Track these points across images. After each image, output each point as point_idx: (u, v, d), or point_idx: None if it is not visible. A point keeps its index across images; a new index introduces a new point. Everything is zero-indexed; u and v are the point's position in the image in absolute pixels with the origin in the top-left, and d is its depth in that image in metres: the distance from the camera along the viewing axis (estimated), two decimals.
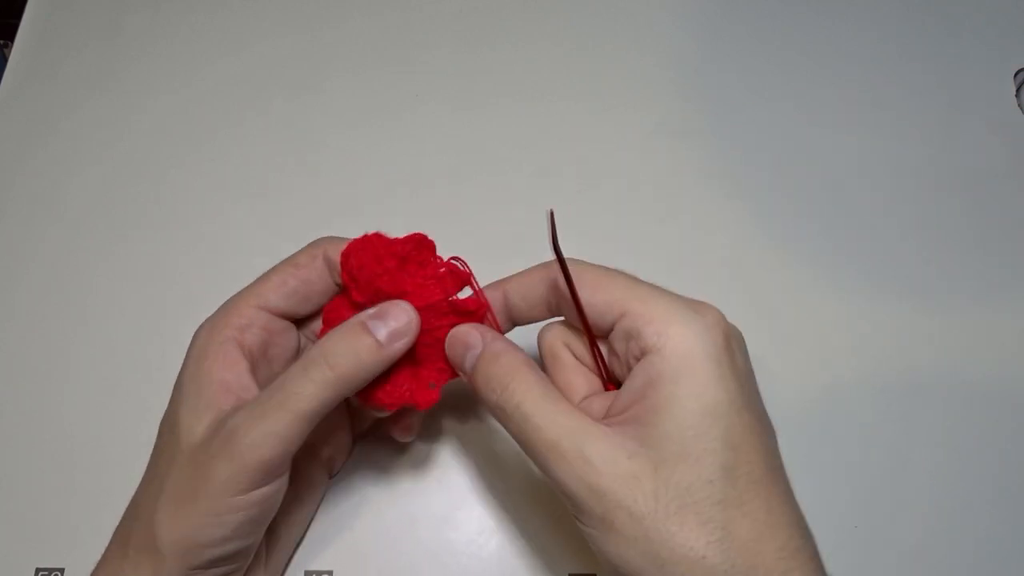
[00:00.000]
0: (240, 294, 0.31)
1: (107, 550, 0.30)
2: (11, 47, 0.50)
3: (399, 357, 0.29)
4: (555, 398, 0.27)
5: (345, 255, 0.30)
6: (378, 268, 0.30)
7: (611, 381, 0.30)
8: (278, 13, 0.51)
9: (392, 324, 0.29)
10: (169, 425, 0.30)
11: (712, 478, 0.25)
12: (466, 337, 0.30)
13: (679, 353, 0.26)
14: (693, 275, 0.42)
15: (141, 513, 0.28)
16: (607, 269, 0.29)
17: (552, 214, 0.28)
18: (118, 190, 0.45)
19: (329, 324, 0.31)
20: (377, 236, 0.30)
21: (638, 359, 0.27)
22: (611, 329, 0.28)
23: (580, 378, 0.31)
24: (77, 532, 0.36)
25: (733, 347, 0.27)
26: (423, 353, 0.31)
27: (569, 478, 0.26)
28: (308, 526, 0.36)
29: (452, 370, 0.31)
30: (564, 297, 0.29)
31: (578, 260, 0.29)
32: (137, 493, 0.30)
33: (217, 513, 0.27)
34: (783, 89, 0.48)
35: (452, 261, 0.31)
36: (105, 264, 0.43)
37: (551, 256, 0.29)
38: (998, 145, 0.47)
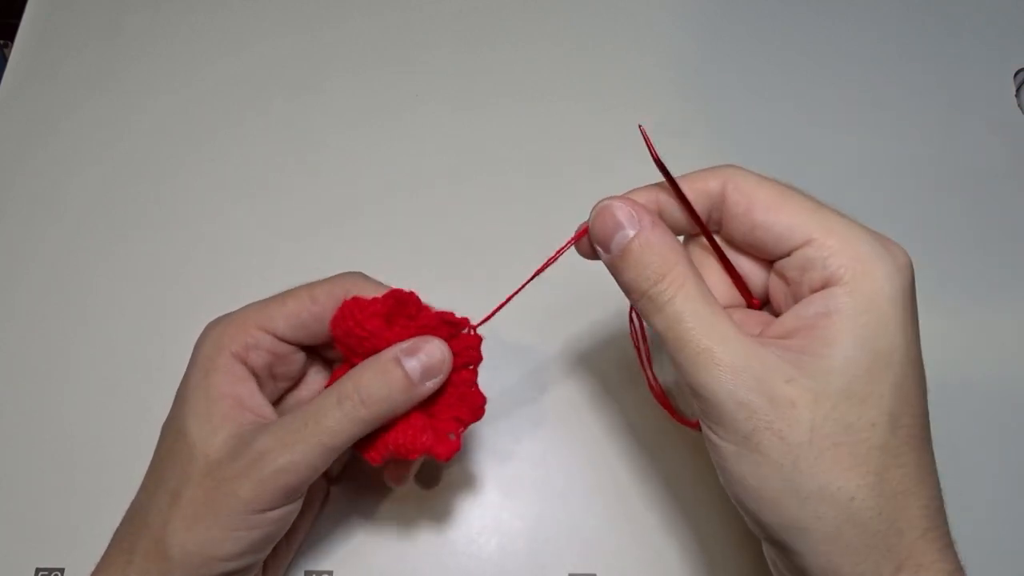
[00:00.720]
0: (250, 310, 0.31)
1: (107, 555, 0.30)
2: (11, 47, 0.50)
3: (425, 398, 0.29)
4: (711, 301, 0.26)
5: (332, 327, 0.30)
6: (362, 332, 0.30)
7: (756, 299, 0.29)
8: (278, 13, 0.51)
9: (424, 359, 0.29)
10: (175, 433, 0.29)
11: (876, 422, 0.24)
12: (618, 214, 0.27)
13: (866, 291, 0.24)
14: None
15: (151, 521, 0.28)
16: (787, 188, 0.27)
17: (643, 129, 0.27)
18: (118, 190, 0.45)
19: None
20: (354, 301, 0.30)
21: (816, 289, 0.25)
22: (788, 254, 0.26)
23: (722, 286, 0.29)
24: (77, 532, 0.36)
25: (914, 294, 0.25)
26: (438, 403, 0.30)
27: (719, 387, 0.24)
28: (307, 534, 0.36)
29: (468, 420, 0.30)
30: (735, 216, 0.27)
31: (753, 173, 0.27)
32: (142, 499, 0.30)
33: (236, 529, 0.27)
34: (783, 89, 0.48)
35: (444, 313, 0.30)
36: (105, 264, 0.43)
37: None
38: (998, 145, 0.47)
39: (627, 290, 0.27)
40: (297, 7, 0.51)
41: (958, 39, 0.50)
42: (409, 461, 0.33)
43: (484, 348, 0.32)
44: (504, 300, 0.31)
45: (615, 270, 0.27)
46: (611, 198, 0.27)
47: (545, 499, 0.37)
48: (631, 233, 0.26)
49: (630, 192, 0.28)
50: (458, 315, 0.31)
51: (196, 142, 0.47)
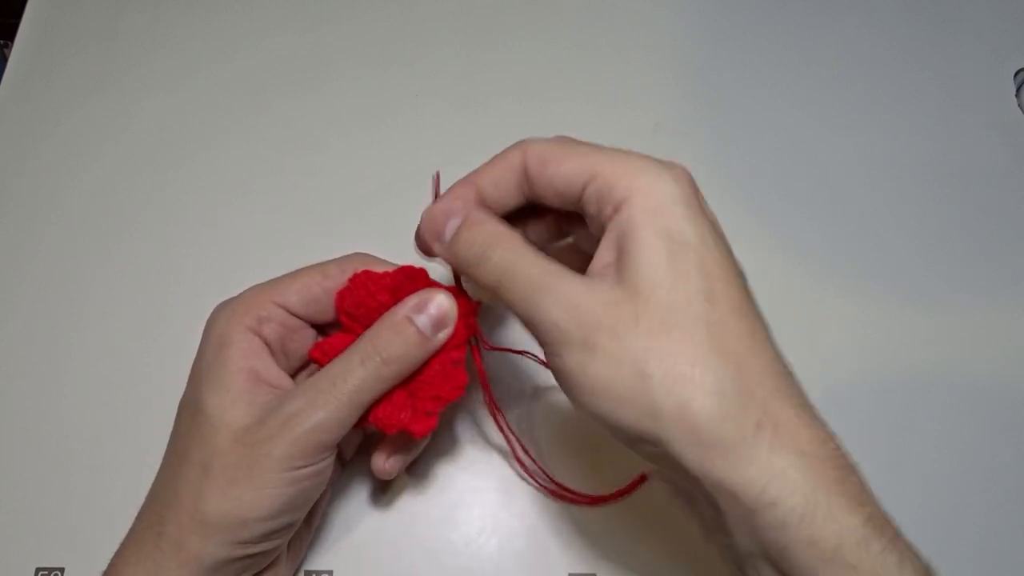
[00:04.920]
0: (262, 287, 0.32)
1: (133, 537, 0.30)
2: (11, 47, 0.50)
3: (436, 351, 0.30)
4: (537, 251, 0.28)
5: (339, 297, 0.31)
6: (373, 303, 0.31)
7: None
8: (278, 13, 0.51)
9: (432, 312, 0.30)
10: (193, 408, 0.30)
11: (691, 300, 0.25)
12: (448, 206, 0.30)
13: (650, 199, 0.26)
14: None
15: (181, 494, 0.29)
16: (570, 140, 0.29)
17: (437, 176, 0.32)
18: (118, 190, 0.45)
19: (331, 357, 0.31)
20: (366, 274, 0.31)
21: (611, 217, 0.27)
22: (581, 196, 0.28)
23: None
24: (77, 532, 0.36)
25: (700, 196, 0.28)
26: (419, 380, 0.31)
27: (551, 305, 0.26)
28: (320, 519, 0.36)
29: (448, 399, 0.31)
30: (535, 177, 0.29)
31: (543, 139, 0.29)
32: (166, 477, 0.30)
33: (273, 487, 0.28)
34: (783, 89, 0.48)
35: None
36: (105, 264, 0.43)
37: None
38: (998, 145, 0.47)
39: (463, 266, 0.29)
40: (297, 7, 0.51)
41: (958, 39, 0.50)
42: (403, 455, 0.33)
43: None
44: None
45: (450, 255, 0.30)
46: (434, 203, 0.31)
47: (545, 499, 0.37)
48: (458, 221, 0.30)
49: (450, 188, 0.31)
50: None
51: (196, 142, 0.47)
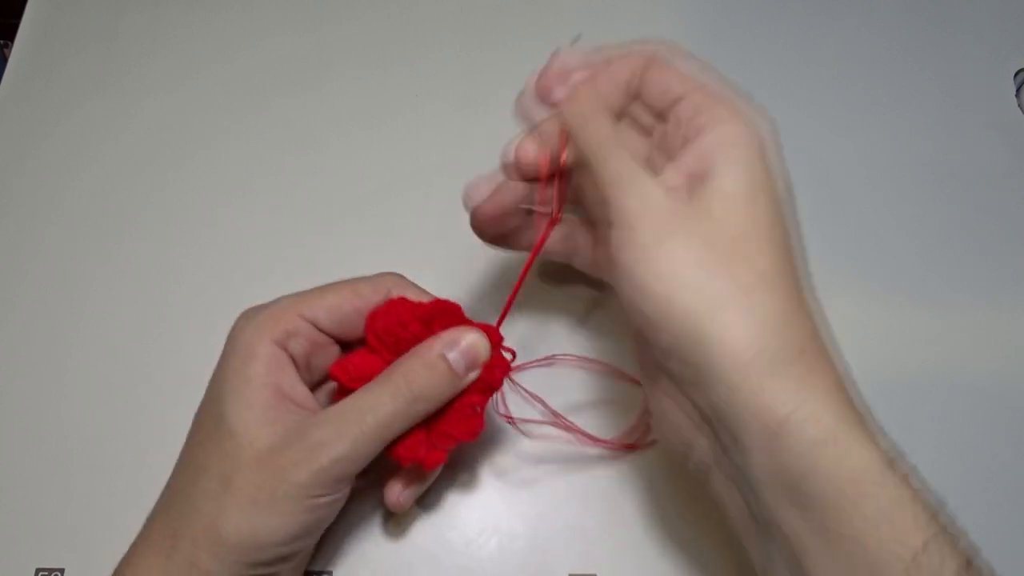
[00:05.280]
0: (291, 299, 0.32)
1: (145, 543, 0.29)
2: (11, 47, 0.50)
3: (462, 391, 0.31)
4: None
5: (371, 318, 0.31)
6: (404, 333, 0.31)
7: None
8: (278, 13, 0.51)
9: (464, 350, 0.30)
10: (215, 419, 0.29)
11: (760, 237, 0.27)
12: (581, 61, 0.31)
13: (740, 135, 0.28)
14: None
15: (200, 507, 0.28)
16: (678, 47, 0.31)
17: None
18: (118, 190, 0.45)
19: (353, 378, 0.31)
20: (402, 301, 0.31)
21: (694, 138, 0.28)
22: (673, 105, 0.29)
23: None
24: (77, 532, 0.36)
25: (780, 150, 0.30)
26: (436, 416, 0.31)
27: (631, 197, 0.27)
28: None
29: (461, 440, 0.31)
30: (644, 79, 0.30)
31: (676, 52, 0.31)
32: (182, 485, 0.30)
33: (292, 513, 0.28)
34: (783, 89, 0.48)
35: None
36: (105, 264, 0.43)
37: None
38: (998, 145, 0.46)
39: (573, 117, 0.30)
40: (297, 7, 0.51)
41: (958, 39, 0.50)
42: (415, 488, 0.33)
43: None
44: (507, 302, 0.32)
45: (569, 101, 0.30)
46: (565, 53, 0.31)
47: (545, 499, 0.37)
48: (584, 76, 0.30)
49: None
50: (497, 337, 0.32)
51: (196, 142, 0.47)
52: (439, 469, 0.34)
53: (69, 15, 0.51)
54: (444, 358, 0.30)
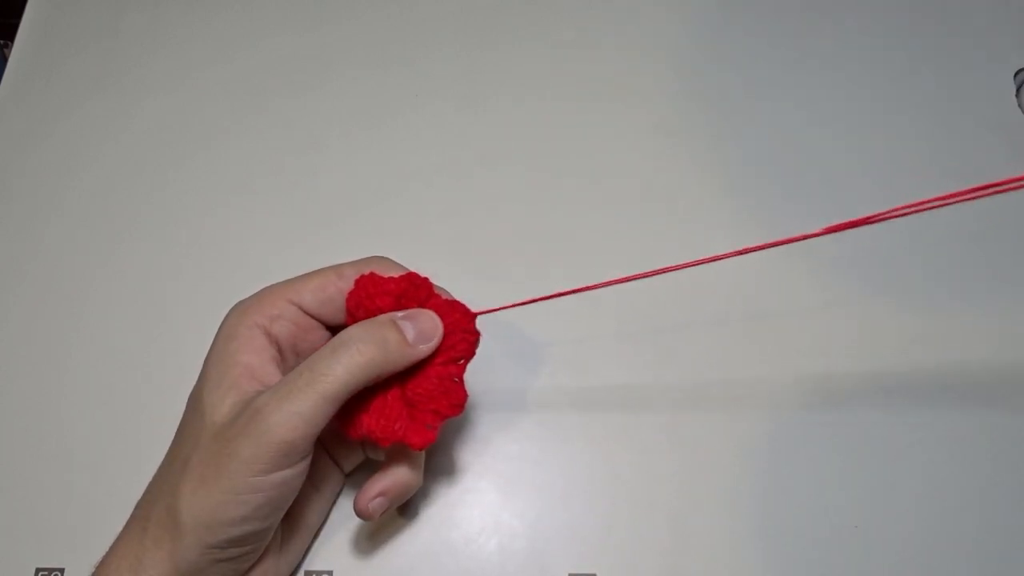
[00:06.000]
0: (278, 285, 0.32)
1: (126, 527, 0.30)
2: (11, 47, 0.50)
3: (418, 360, 0.30)
4: None
5: (348, 297, 0.31)
6: (371, 306, 0.31)
7: None
8: (278, 13, 0.51)
9: (420, 325, 0.30)
10: (193, 404, 0.30)
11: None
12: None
13: None
14: (693, 274, 0.42)
15: (165, 489, 0.29)
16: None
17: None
18: (118, 190, 0.45)
19: None
20: (371, 276, 0.31)
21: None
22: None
23: None
24: (77, 532, 0.36)
25: None
26: (418, 392, 0.31)
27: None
28: (325, 520, 0.36)
29: (447, 414, 0.31)
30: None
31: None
32: (159, 471, 0.31)
33: (238, 492, 0.27)
34: (783, 89, 0.48)
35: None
36: (105, 264, 0.43)
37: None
38: (998, 145, 0.46)
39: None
40: (297, 7, 0.51)
41: (958, 39, 0.50)
42: (391, 497, 0.32)
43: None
44: (510, 304, 0.32)
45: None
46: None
47: (545, 499, 0.37)
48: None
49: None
50: (471, 309, 0.32)
51: (196, 142, 0.47)
52: (420, 478, 0.33)
53: (69, 15, 0.51)
54: (393, 321, 0.30)
